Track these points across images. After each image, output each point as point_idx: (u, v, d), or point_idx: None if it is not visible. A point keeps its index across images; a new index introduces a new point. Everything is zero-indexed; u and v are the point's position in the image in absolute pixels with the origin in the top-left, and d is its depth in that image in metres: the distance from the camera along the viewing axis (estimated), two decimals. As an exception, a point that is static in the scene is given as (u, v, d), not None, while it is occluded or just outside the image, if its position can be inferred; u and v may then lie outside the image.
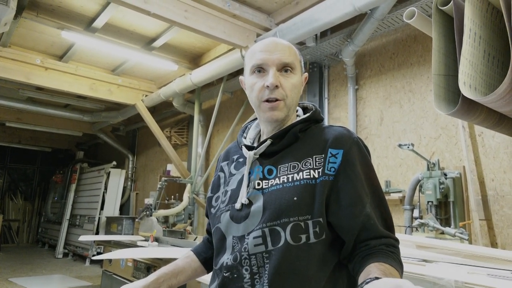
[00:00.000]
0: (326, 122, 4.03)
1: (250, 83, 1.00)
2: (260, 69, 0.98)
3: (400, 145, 2.84)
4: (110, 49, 4.57)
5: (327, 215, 0.89)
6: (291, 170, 0.94)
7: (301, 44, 3.85)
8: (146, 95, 5.81)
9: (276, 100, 0.96)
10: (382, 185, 3.41)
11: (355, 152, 0.93)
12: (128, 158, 7.93)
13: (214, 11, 3.58)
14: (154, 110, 6.63)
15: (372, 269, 0.79)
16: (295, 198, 0.89)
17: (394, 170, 3.43)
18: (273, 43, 1.00)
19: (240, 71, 4.44)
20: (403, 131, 3.39)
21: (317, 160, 0.93)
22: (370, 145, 3.63)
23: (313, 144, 0.96)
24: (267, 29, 3.86)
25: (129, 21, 4.18)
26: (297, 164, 0.94)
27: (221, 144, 5.17)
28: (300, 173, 0.92)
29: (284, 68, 0.97)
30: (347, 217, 0.88)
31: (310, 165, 0.93)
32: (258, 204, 0.92)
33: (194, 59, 5.12)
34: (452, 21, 1.98)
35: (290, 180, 0.92)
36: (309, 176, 0.91)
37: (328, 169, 0.91)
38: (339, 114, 3.99)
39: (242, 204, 0.95)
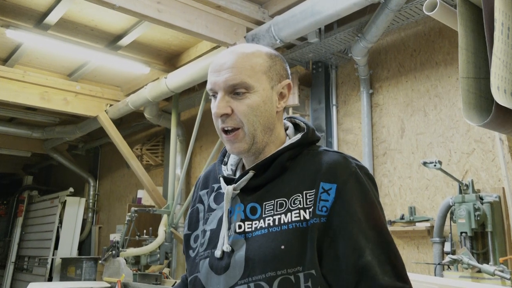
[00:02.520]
0: (334, 135, 4.07)
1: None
2: (214, 94, 1.02)
3: (424, 163, 2.88)
4: (66, 49, 4.61)
5: (320, 265, 0.92)
6: (278, 210, 0.96)
7: (302, 40, 3.93)
8: (110, 105, 5.85)
9: (233, 129, 0.99)
10: (406, 212, 3.45)
11: (351, 186, 0.95)
12: (88, 183, 7.91)
13: (194, 2, 3.66)
14: (120, 122, 6.65)
15: None
16: (282, 247, 0.91)
17: (419, 194, 3.47)
18: (223, 59, 1.01)
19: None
20: (429, 145, 3.45)
21: (308, 197, 0.95)
22: (390, 163, 3.68)
23: (303, 176, 0.99)
24: (259, 22, 3.94)
25: (89, 15, 4.24)
26: (285, 202, 0.96)
27: (205, 164, 5.19)
28: (289, 214, 0.94)
29: (234, 90, 0.99)
30: (341, 269, 0.90)
31: (300, 203, 0.95)
32: (241, 253, 0.95)
33: (170, 60, 5.18)
34: (481, 12, 2.05)
35: (276, 223, 0.94)
36: (298, 218, 0.93)
37: (320, 208, 0.93)
38: (350, 125, 4.05)
39: (223, 252, 0.97)
